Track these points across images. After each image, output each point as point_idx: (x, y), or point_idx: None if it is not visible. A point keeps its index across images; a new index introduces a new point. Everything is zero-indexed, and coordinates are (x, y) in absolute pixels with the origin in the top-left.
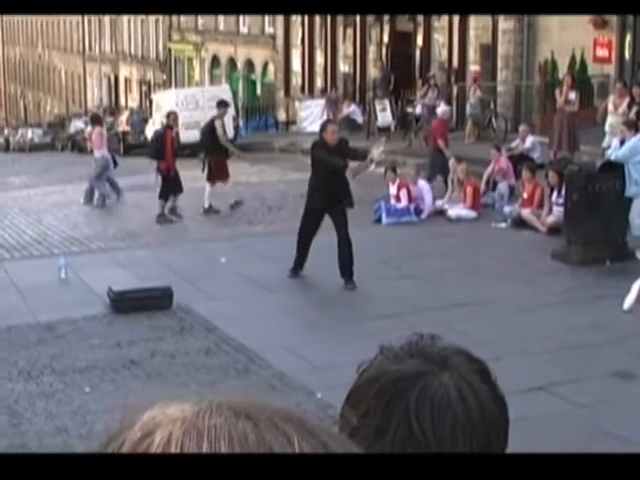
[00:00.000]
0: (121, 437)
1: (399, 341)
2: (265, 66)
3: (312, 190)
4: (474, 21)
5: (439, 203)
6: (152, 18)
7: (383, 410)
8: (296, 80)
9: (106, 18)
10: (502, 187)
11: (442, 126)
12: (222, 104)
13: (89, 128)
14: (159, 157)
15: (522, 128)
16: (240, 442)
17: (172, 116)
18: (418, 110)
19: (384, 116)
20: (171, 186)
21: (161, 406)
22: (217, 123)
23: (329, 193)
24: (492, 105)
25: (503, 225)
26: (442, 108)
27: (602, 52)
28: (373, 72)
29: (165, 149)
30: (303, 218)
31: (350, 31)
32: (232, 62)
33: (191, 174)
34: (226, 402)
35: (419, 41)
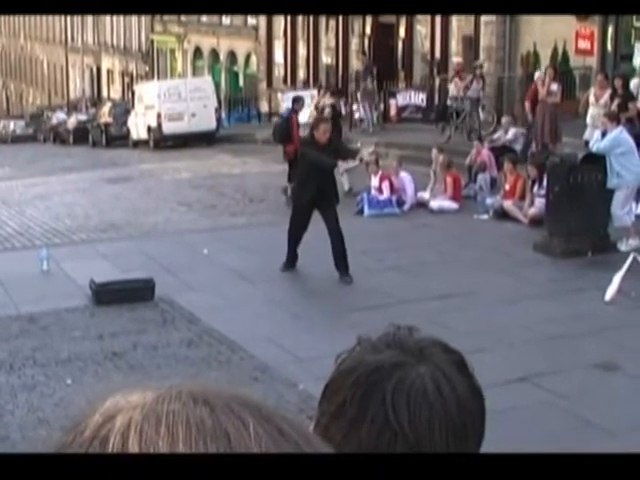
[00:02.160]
0: (83, 423)
1: (377, 332)
2: (248, 58)
3: (300, 186)
4: None
5: (421, 195)
6: None
7: (359, 401)
8: (278, 72)
9: None
10: (483, 179)
11: None
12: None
13: None
14: (285, 141)
15: (505, 120)
16: (197, 427)
17: (300, 102)
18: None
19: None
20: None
21: (124, 393)
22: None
23: (317, 189)
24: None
25: (485, 217)
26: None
27: (584, 44)
28: (355, 64)
29: (292, 133)
30: (292, 215)
31: (332, 23)
32: (215, 53)
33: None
34: (186, 389)
35: (401, 33)
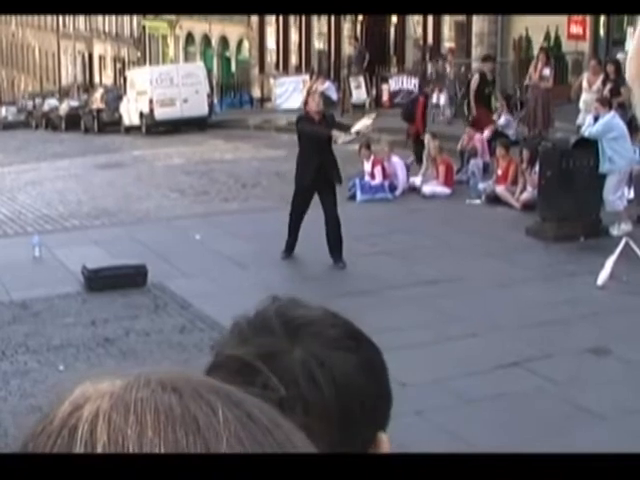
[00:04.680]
0: (52, 412)
1: (252, 309)
2: (240, 43)
3: (302, 168)
4: None
5: (413, 180)
6: None
7: None
8: (271, 57)
9: None
10: (475, 164)
11: None
12: (488, 58)
13: None
14: (409, 120)
15: (497, 105)
16: (165, 414)
17: (430, 85)
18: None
19: (359, 93)
20: (420, 149)
21: (93, 381)
22: (474, 78)
23: (319, 169)
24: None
25: (477, 202)
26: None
27: (576, 29)
28: (348, 49)
29: (416, 113)
30: (294, 198)
31: None
32: (206, 39)
33: None
34: (155, 376)
35: (394, 18)
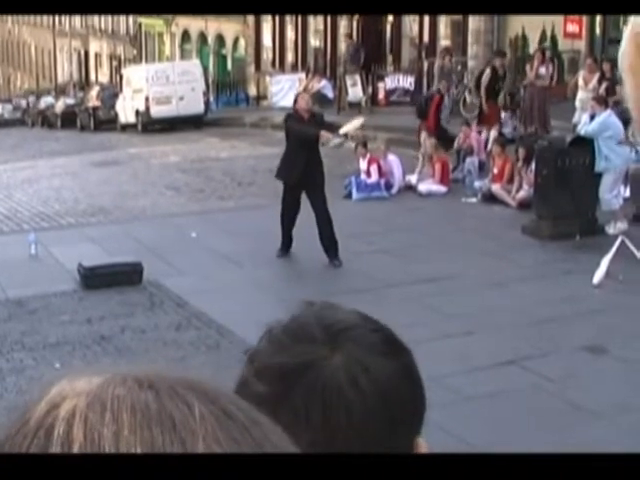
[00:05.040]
0: (29, 412)
1: (287, 315)
2: (236, 41)
3: (288, 164)
4: None
5: (409, 178)
6: None
7: (271, 412)
8: (267, 55)
9: None
10: (471, 162)
11: None
12: (500, 53)
13: None
14: (422, 117)
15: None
16: (142, 412)
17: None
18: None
19: (355, 91)
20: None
21: (70, 379)
22: (485, 72)
23: (305, 167)
24: (465, 80)
25: (473, 200)
26: None
27: (572, 27)
28: (344, 47)
29: (429, 111)
30: (284, 197)
31: None
32: (203, 37)
33: None
34: (131, 374)
35: (390, 16)
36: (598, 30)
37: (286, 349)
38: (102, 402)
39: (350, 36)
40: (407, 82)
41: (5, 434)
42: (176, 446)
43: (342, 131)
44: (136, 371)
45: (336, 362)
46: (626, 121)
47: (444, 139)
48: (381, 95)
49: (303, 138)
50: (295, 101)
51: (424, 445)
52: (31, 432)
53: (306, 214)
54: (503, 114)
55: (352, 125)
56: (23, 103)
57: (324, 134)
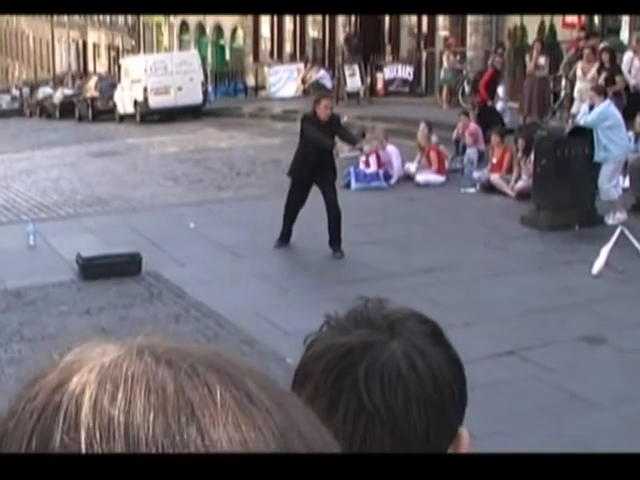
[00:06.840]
0: (38, 383)
1: (345, 308)
2: (234, 31)
3: (300, 162)
4: None
5: (408, 166)
6: None
7: (332, 387)
8: (265, 45)
9: None
10: (471, 152)
11: None
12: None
13: None
14: (474, 90)
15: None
16: (157, 393)
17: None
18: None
19: (353, 81)
20: (488, 117)
21: (85, 347)
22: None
23: (317, 165)
24: (465, 71)
25: (472, 190)
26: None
27: (571, 18)
28: (342, 37)
29: (478, 84)
30: (290, 190)
31: None
32: (201, 27)
33: None
34: (149, 347)
35: None
36: (597, 20)
37: (348, 332)
38: (114, 380)
39: (348, 26)
40: (406, 72)
41: (13, 406)
42: (193, 434)
43: (357, 147)
44: (156, 343)
45: (395, 346)
46: (625, 111)
47: (487, 118)
48: (380, 85)
49: (317, 144)
50: (317, 102)
51: (466, 434)
52: (37, 409)
53: (309, 205)
54: (502, 103)
55: (368, 145)
56: (24, 93)
57: (340, 146)
